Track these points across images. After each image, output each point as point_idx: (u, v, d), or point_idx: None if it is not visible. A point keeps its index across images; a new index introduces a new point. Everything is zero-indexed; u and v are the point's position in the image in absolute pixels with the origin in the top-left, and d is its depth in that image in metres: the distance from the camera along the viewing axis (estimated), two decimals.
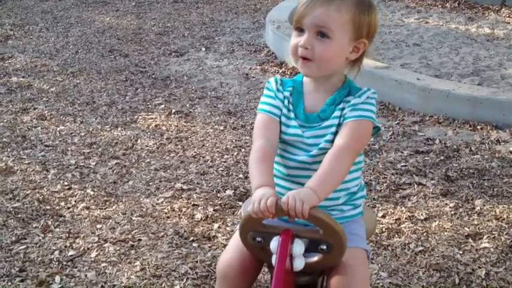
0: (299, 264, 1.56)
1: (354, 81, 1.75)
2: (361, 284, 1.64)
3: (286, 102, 1.72)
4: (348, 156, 1.60)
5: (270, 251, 1.56)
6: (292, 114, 1.71)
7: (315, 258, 1.59)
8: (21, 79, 4.77)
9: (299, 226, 1.61)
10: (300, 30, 1.65)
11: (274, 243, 1.54)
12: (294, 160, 1.70)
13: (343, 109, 1.66)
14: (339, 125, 1.66)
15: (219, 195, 3.09)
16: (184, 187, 3.16)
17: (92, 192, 3.11)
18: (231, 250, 1.72)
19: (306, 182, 1.55)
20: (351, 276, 1.62)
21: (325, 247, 1.55)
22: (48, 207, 2.97)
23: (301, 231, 1.56)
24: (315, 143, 1.68)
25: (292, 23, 1.69)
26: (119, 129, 3.89)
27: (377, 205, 2.97)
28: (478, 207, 2.96)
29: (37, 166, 3.39)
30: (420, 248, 2.65)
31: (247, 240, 1.61)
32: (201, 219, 2.87)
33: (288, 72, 4.83)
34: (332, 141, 1.65)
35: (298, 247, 1.54)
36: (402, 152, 3.54)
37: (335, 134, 1.65)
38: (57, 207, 2.97)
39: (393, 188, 3.14)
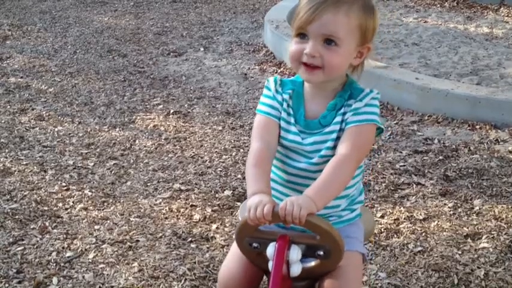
0: (296, 270, 1.54)
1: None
2: (353, 287, 1.63)
3: (285, 105, 1.66)
4: (350, 165, 1.56)
5: (267, 257, 1.54)
6: (292, 120, 1.66)
7: (312, 263, 1.58)
8: (19, 79, 4.76)
9: (296, 232, 1.59)
10: (303, 36, 1.57)
11: (271, 250, 1.52)
12: (294, 167, 1.66)
13: (344, 113, 1.61)
14: (340, 130, 1.61)
15: (217, 195, 3.08)
16: (183, 188, 3.15)
17: (89, 193, 3.10)
18: (232, 260, 1.69)
19: (305, 190, 1.51)
20: (343, 279, 1.59)
21: (322, 253, 1.53)
22: (46, 208, 2.96)
23: (298, 237, 1.54)
24: (315, 150, 1.63)
25: (293, 29, 1.61)
26: (117, 129, 3.88)
27: (376, 205, 2.97)
28: (477, 207, 2.96)
29: (35, 167, 3.38)
30: (419, 248, 2.64)
31: (243, 246, 1.59)
32: (199, 220, 2.86)
33: (287, 72, 4.82)
34: (333, 148, 1.61)
35: (295, 253, 1.52)
36: (401, 152, 3.53)
37: (336, 140, 1.61)
38: (55, 208, 2.96)
39: (392, 188, 3.13)
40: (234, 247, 1.68)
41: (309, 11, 1.54)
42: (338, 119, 1.62)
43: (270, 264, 1.51)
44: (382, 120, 3.95)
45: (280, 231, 1.56)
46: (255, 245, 1.56)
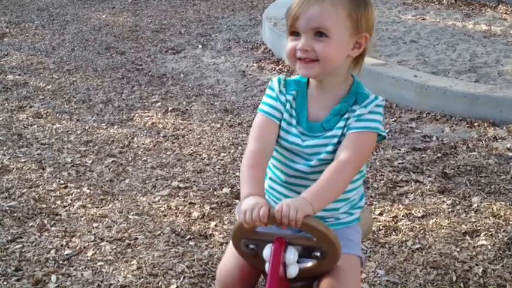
0: (293, 271, 1.54)
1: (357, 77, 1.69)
2: None
3: (288, 106, 1.65)
4: (350, 171, 1.55)
5: (264, 259, 1.54)
6: (293, 121, 1.64)
7: (309, 264, 1.57)
8: (17, 77, 4.75)
9: (292, 233, 1.59)
10: (296, 34, 1.58)
11: (267, 251, 1.52)
12: (292, 168, 1.66)
13: (347, 119, 1.60)
14: (342, 135, 1.60)
15: (215, 193, 3.08)
16: (181, 185, 3.15)
17: (88, 191, 3.10)
18: (230, 258, 1.69)
19: (303, 191, 1.51)
20: (342, 283, 1.58)
21: (319, 254, 1.52)
22: (44, 206, 2.95)
23: (295, 239, 1.54)
24: (315, 152, 1.62)
25: (287, 29, 1.62)
26: (115, 127, 3.88)
27: (374, 203, 2.97)
28: (475, 205, 2.96)
29: (33, 164, 3.37)
30: (417, 246, 2.65)
31: (240, 248, 1.59)
32: (198, 217, 2.86)
33: (285, 70, 4.82)
34: (333, 152, 1.60)
35: (292, 255, 1.51)
36: (399, 149, 3.54)
37: (337, 144, 1.60)
38: (53, 206, 2.96)
39: (390, 186, 3.13)
40: (232, 245, 1.68)
41: (295, 8, 1.55)
42: (341, 124, 1.61)
43: (267, 266, 1.50)
44: (384, 124, 3.95)
45: (277, 233, 1.56)
46: (251, 246, 1.56)
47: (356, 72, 1.68)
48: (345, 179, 1.55)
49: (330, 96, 1.64)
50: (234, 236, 1.57)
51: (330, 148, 1.61)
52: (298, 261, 1.54)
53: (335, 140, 1.60)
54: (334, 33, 1.54)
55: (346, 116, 1.61)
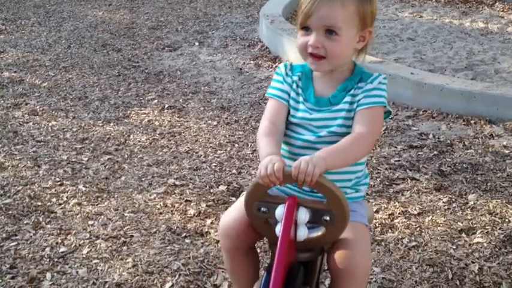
0: (302, 233, 1.58)
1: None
2: (363, 257, 1.66)
3: (294, 86, 1.77)
4: (367, 142, 1.65)
5: (275, 220, 1.58)
6: (300, 98, 1.75)
7: (318, 232, 1.62)
8: (13, 74, 4.74)
9: (303, 196, 1.65)
10: (307, 29, 1.67)
11: (280, 210, 1.57)
12: (300, 139, 1.74)
13: (354, 95, 1.70)
14: (350, 111, 1.70)
15: (212, 190, 3.07)
16: (177, 183, 3.14)
17: (83, 188, 3.09)
18: (236, 208, 1.74)
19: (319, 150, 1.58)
20: (352, 250, 1.63)
21: (328, 218, 1.57)
22: (40, 204, 2.94)
23: (306, 201, 1.59)
24: (323, 125, 1.72)
25: (297, 23, 1.71)
26: (112, 124, 3.87)
27: (370, 200, 2.97)
28: (472, 202, 2.96)
29: (28, 162, 3.36)
30: (413, 243, 2.64)
31: (252, 211, 1.63)
32: (194, 215, 2.85)
33: None
34: (343, 126, 1.70)
35: (303, 214, 1.56)
36: (396, 147, 3.53)
37: (345, 118, 1.69)
38: (49, 204, 2.95)
39: (387, 183, 3.13)
40: (239, 200, 1.73)
41: (307, 6, 1.65)
42: (347, 99, 1.71)
43: (278, 228, 1.54)
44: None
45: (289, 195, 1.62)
46: (263, 209, 1.61)
47: (359, 61, 1.79)
48: (362, 148, 1.64)
49: (334, 78, 1.75)
50: (247, 198, 1.62)
51: (340, 121, 1.70)
52: (307, 227, 1.58)
53: (343, 114, 1.70)
54: (344, 31, 1.64)
55: (352, 92, 1.71)
